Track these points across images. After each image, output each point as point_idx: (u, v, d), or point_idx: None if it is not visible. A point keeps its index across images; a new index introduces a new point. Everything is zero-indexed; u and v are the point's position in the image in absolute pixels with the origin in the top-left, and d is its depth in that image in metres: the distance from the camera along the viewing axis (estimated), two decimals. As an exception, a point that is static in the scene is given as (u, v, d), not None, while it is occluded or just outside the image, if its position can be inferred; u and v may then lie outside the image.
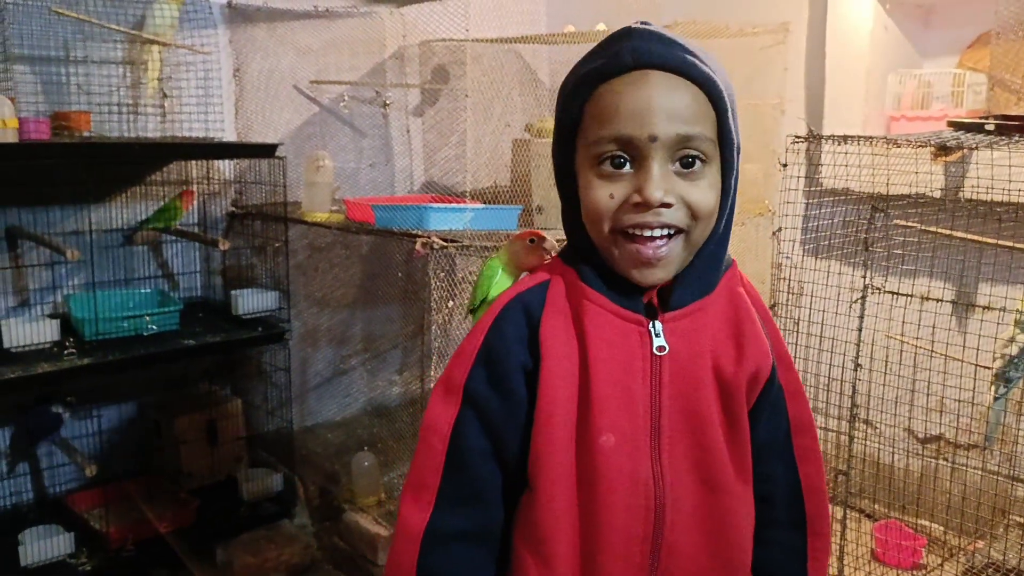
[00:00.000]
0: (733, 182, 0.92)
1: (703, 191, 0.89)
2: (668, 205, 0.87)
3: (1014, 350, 1.95)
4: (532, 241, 1.13)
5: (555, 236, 2.19)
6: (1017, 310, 1.99)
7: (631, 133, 0.86)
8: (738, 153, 0.92)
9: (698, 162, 0.88)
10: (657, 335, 0.92)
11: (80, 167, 2.47)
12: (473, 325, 1.14)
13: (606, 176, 0.89)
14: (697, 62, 0.88)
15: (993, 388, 2.04)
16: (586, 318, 0.92)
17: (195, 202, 2.79)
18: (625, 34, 0.89)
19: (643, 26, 0.90)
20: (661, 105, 0.86)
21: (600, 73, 0.89)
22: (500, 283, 1.16)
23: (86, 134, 2.48)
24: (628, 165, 0.88)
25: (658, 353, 0.92)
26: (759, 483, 0.99)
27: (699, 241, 0.91)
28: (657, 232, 0.88)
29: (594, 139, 0.89)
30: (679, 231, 0.89)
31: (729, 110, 0.89)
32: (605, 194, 0.88)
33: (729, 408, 0.94)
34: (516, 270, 1.15)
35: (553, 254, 1.07)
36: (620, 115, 0.86)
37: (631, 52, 0.87)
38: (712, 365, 0.94)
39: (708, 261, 0.94)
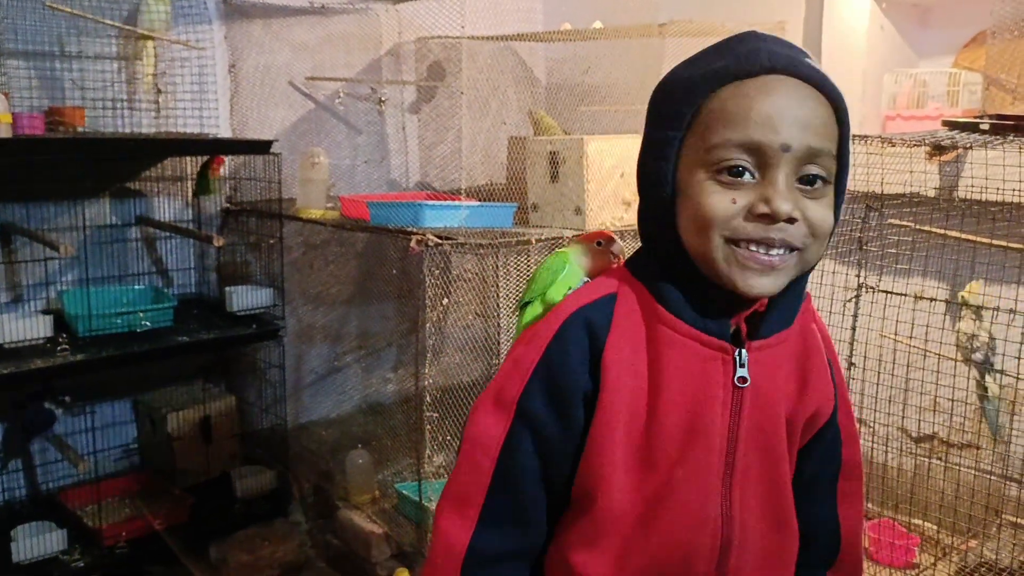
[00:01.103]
0: (841, 207, 0.88)
1: (823, 210, 0.84)
2: (793, 220, 0.81)
3: (983, 338, 1.96)
4: (600, 244, 1.02)
5: (549, 235, 2.14)
6: (963, 298, 2.01)
7: (762, 140, 0.80)
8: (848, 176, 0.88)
9: (820, 180, 0.83)
10: (742, 365, 0.87)
11: (74, 163, 2.47)
12: (521, 321, 1.06)
13: (725, 183, 0.82)
14: (826, 74, 0.84)
15: (977, 387, 2.05)
16: (662, 346, 0.87)
17: (218, 171, 2.76)
18: (752, 36, 0.85)
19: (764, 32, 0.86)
20: (796, 114, 0.81)
21: (728, 72, 0.83)
22: (565, 280, 1.05)
23: (80, 130, 2.47)
24: (748, 175, 0.82)
25: (739, 385, 0.87)
26: (800, 523, 0.96)
27: (812, 262, 0.86)
28: (775, 251, 0.82)
29: (717, 142, 0.82)
30: (795, 250, 0.84)
31: (850, 130, 0.86)
32: (726, 199, 0.82)
33: (789, 445, 0.92)
34: (580, 272, 1.04)
35: (621, 259, 1.01)
36: (750, 120, 0.80)
37: (767, 54, 0.82)
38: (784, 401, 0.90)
39: (796, 290, 0.90)
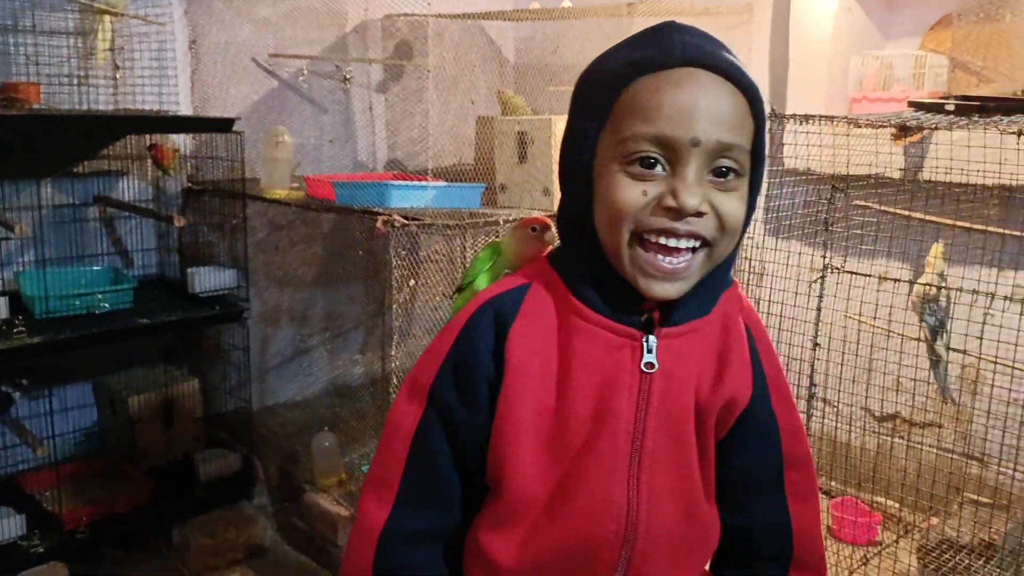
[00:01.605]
0: (756, 200, 0.88)
1: (735, 203, 0.84)
2: (701, 214, 0.82)
3: (942, 303, 1.99)
4: (534, 230, 1.04)
5: (518, 215, 2.14)
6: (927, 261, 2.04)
7: (672, 134, 0.80)
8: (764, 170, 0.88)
9: (733, 174, 0.83)
10: (649, 351, 0.87)
11: (29, 140, 2.40)
12: (453, 308, 1.10)
13: (636, 176, 0.82)
14: (742, 67, 0.83)
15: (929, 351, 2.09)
16: (573, 335, 0.88)
17: (170, 157, 2.69)
18: (670, 27, 0.84)
19: (683, 23, 0.85)
20: (707, 108, 0.80)
21: (643, 64, 0.82)
22: (492, 271, 1.08)
23: (36, 106, 2.40)
24: (660, 167, 0.82)
25: (646, 370, 0.87)
26: (738, 514, 0.96)
27: (721, 257, 0.86)
28: (683, 243, 0.83)
29: (628, 135, 0.82)
30: (704, 244, 0.84)
31: (764, 123, 0.85)
32: (637, 191, 0.82)
33: (701, 433, 0.91)
34: (515, 258, 1.06)
35: (552, 247, 1.01)
36: (662, 113, 0.80)
37: (681, 46, 0.81)
38: (695, 388, 0.90)
39: (715, 280, 0.90)
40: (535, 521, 0.89)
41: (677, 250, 0.83)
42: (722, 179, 0.83)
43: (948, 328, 2.09)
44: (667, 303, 0.88)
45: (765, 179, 2.22)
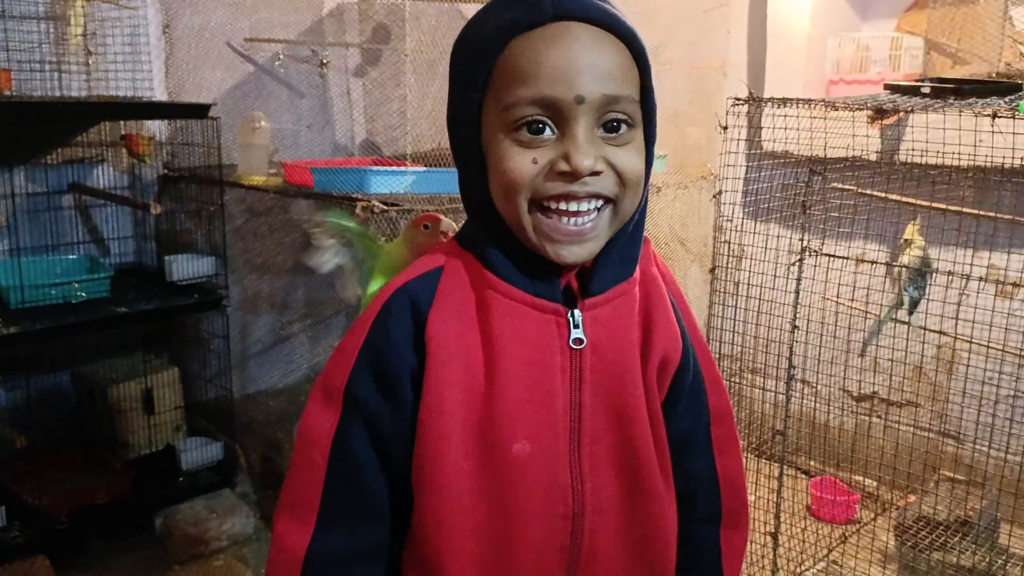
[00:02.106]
0: (654, 149, 0.84)
1: (631, 156, 0.80)
2: (597, 173, 0.78)
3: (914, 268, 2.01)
4: (426, 227, 0.99)
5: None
6: (905, 240, 2.06)
7: (554, 95, 0.76)
8: (656, 116, 0.84)
9: (624, 126, 0.79)
10: (576, 326, 0.83)
11: (2, 128, 2.36)
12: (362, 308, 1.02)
13: (524, 143, 0.78)
14: (619, 15, 0.79)
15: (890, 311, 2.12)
16: (493, 312, 0.82)
17: (144, 146, 2.65)
18: None
19: None
20: (587, 62, 0.76)
21: (516, 24, 0.78)
22: (378, 273, 1.03)
23: (7, 93, 2.37)
24: (549, 130, 0.78)
25: (575, 347, 0.83)
26: (681, 481, 0.92)
27: (628, 213, 0.82)
28: (584, 205, 0.79)
29: (510, 101, 0.78)
30: (607, 202, 0.80)
31: (650, 68, 0.81)
32: (527, 160, 0.78)
33: (647, 399, 0.87)
34: (412, 259, 0.98)
35: (451, 235, 0.96)
36: (541, 74, 0.76)
37: (551, 1, 0.77)
38: (632, 354, 0.86)
39: (630, 239, 0.86)
40: (477, 516, 0.83)
41: (579, 212, 0.79)
42: (614, 134, 0.79)
43: (917, 303, 2.11)
44: (585, 271, 0.84)
45: (743, 162, 2.23)
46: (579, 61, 0.76)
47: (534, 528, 0.83)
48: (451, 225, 0.99)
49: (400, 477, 0.85)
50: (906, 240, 2.10)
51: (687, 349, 0.90)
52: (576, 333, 0.83)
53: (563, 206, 0.79)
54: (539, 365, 0.83)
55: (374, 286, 1.02)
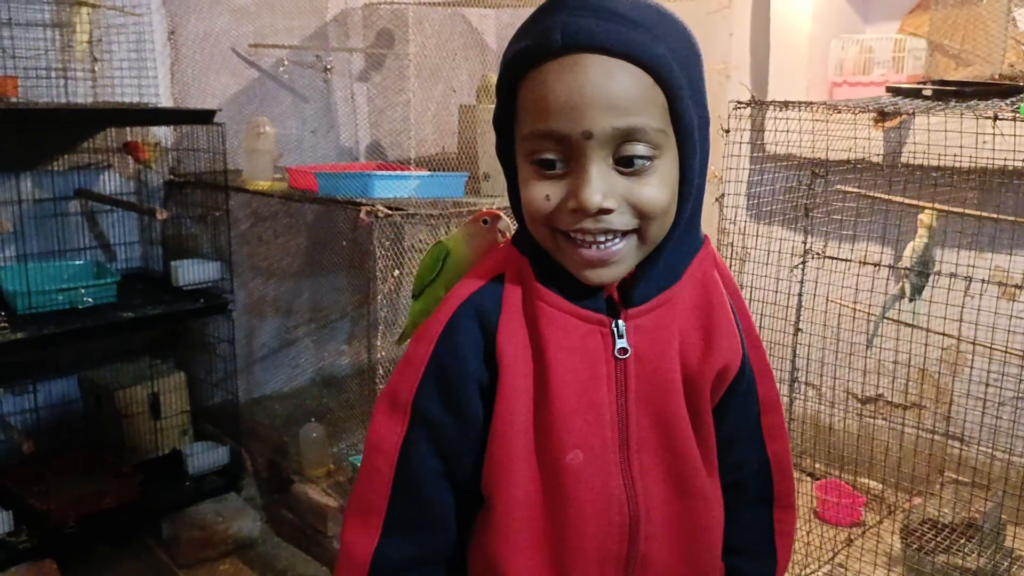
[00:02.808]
0: (699, 164, 0.81)
1: (652, 189, 0.77)
2: (608, 211, 0.76)
3: (917, 254, 2.01)
4: (486, 222, 0.99)
5: (501, 204, 2.13)
6: (921, 220, 2.05)
7: (562, 130, 0.75)
8: (706, 127, 0.82)
9: (641, 160, 0.76)
10: (620, 336, 0.83)
11: (8, 134, 2.37)
12: (412, 314, 1.04)
13: (541, 176, 0.78)
14: (640, 37, 0.74)
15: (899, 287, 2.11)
16: (542, 322, 0.83)
17: (149, 152, 2.68)
18: (555, 5, 0.77)
19: None
20: (596, 95, 0.74)
21: (529, 56, 0.77)
22: (444, 273, 1.02)
23: (13, 100, 2.38)
24: (559, 165, 0.77)
25: (620, 356, 0.83)
26: (729, 472, 0.94)
27: (656, 239, 0.81)
28: (601, 239, 0.78)
29: (526, 133, 0.78)
30: (629, 232, 0.79)
31: (685, 87, 0.77)
32: (541, 195, 0.78)
33: (694, 406, 0.87)
34: (471, 254, 1.00)
35: (508, 235, 0.96)
36: (549, 109, 0.75)
37: (561, 30, 0.74)
38: (680, 363, 0.86)
39: (673, 249, 0.85)
40: (540, 524, 0.85)
41: (598, 242, 0.79)
42: (629, 167, 0.77)
43: (920, 293, 2.11)
44: (627, 281, 0.84)
45: (746, 164, 2.23)
46: (588, 95, 0.74)
47: (591, 538, 0.85)
48: (508, 225, 0.99)
49: (464, 487, 0.87)
50: (921, 220, 2.08)
51: (744, 356, 0.91)
52: (621, 343, 0.84)
53: (580, 237, 0.79)
54: (586, 375, 0.83)
55: (440, 288, 1.01)
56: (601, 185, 0.76)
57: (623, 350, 0.84)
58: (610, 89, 0.74)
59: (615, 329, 0.84)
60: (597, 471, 0.84)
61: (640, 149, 0.76)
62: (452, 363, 0.83)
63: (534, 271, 0.84)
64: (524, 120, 0.79)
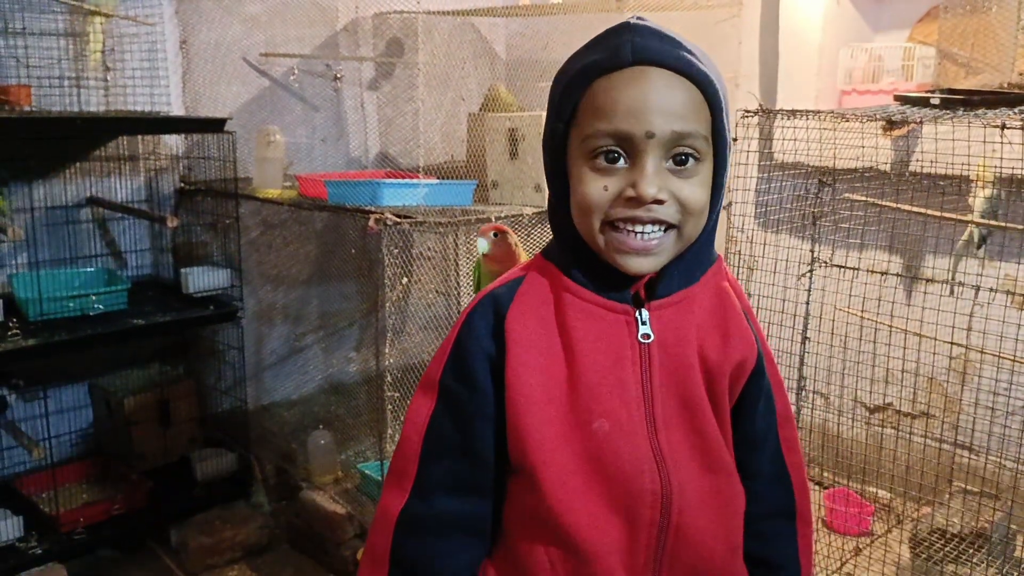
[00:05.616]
0: (724, 179, 0.94)
1: (695, 188, 0.90)
2: (661, 201, 0.88)
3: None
4: (496, 235, 1.22)
5: (510, 211, 2.27)
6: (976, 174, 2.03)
7: (628, 129, 0.87)
8: (728, 151, 0.94)
9: (691, 160, 0.89)
10: (643, 323, 0.94)
11: (21, 143, 2.40)
12: None
13: (600, 170, 0.90)
14: (695, 60, 0.89)
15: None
16: (569, 311, 0.94)
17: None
18: (624, 29, 0.90)
19: (641, 22, 0.91)
20: (658, 102, 0.87)
21: (598, 67, 0.89)
22: (484, 277, 1.25)
23: (27, 108, 2.41)
24: (622, 160, 0.89)
25: (643, 341, 0.94)
26: (751, 479, 1.01)
27: (691, 236, 0.93)
28: (648, 228, 0.89)
29: (590, 133, 0.89)
30: (671, 227, 0.91)
31: (724, 109, 0.91)
32: (599, 186, 0.89)
33: (713, 395, 0.96)
34: (491, 261, 1.22)
35: (517, 242, 1.12)
36: (618, 111, 0.87)
37: (631, 47, 0.88)
38: (698, 352, 0.96)
39: (695, 253, 0.96)
40: (575, 490, 0.93)
41: (644, 231, 0.90)
42: (681, 167, 0.89)
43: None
44: (652, 281, 0.95)
45: (754, 173, 2.24)
46: (652, 101, 0.87)
47: (626, 502, 0.93)
48: (514, 238, 1.21)
49: (486, 455, 0.97)
50: (978, 176, 2.07)
51: (760, 355, 1.01)
52: (644, 329, 0.94)
53: (630, 226, 0.90)
54: (613, 356, 0.94)
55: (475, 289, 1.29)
56: (656, 179, 0.88)
57: (646, 335, 0.94)
58: (670, 98, 0.88)
59: (639, 317, 0.94)
60: (625, 441, 0.93)
61: (690, 151, 0.89)
62: (467, 340, 0.96)
63: (562, 270, 0.96)
64: (588, 121, 0.90)
